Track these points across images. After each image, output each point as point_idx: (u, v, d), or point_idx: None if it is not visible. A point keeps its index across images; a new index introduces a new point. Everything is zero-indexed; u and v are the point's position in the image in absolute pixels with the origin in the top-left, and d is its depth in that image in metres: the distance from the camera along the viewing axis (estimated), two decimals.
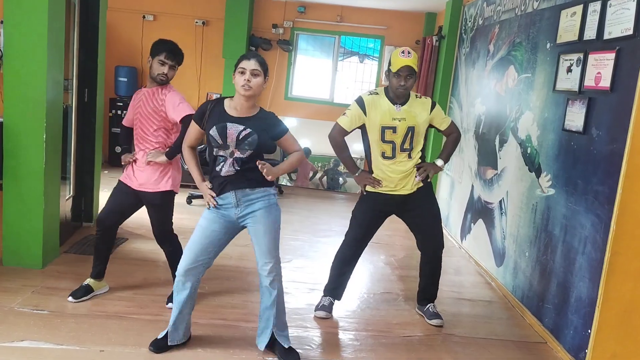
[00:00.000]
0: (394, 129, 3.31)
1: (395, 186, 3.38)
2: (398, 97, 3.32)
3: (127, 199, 3.34)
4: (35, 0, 3.50)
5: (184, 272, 2.75)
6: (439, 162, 3.47)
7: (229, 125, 2.66)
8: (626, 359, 2.93)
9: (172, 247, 3.41)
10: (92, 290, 3.40)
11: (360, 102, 3.39)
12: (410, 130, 3.32)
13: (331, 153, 7.72)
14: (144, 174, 3.28)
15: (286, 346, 2.87)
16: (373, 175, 3.42)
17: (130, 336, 2.98)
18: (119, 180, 3.37)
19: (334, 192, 7.79)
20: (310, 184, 7.80)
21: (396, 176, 3.36)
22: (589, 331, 2.97)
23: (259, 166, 2.60)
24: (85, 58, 4.57)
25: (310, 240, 5.22)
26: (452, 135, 3.52)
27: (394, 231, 5.32)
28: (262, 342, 2.88)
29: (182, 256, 2.77)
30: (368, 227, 3.50)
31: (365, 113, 3.36)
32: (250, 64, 2.65)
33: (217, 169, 2.71)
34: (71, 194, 4.55)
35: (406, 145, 3.34)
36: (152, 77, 3.24)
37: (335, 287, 3.58)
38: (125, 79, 7.52)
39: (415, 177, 3.39)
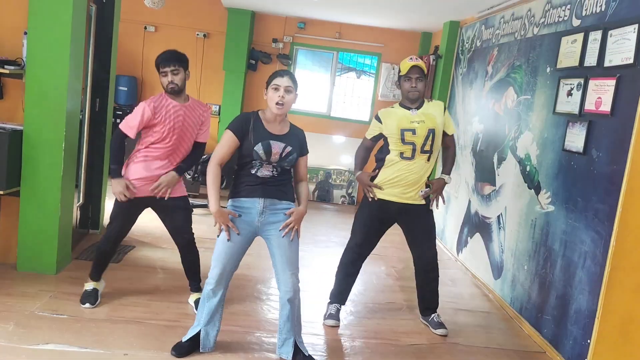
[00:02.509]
0: (413, 131, 3.44)
1: (404, 190, 3.48)
2: (412, 102, 3.50)
3: (138, 211, 3.39)
4: (59, 12, 3.61)
5: (216, 282, 2.84)
6: (447, 178, 3.63)
7: (272, 143, 2.77)
8: None
9: (195, 252, 3.52)
10: (98, 291, 3.48)
11: (376, 116, 3.61)
12: (431, 132, 3.45)
13: (321, 165, 7.98)
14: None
15: (307, 354, 2.99)
16: (380, 178, 3.53)
17: (150, 341, 3.07)
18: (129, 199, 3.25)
19: (325, 203, 7.99)
20: None
21: (412, 177, 3.45)
22: (589, 341, 3.14)
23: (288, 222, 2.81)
24: (98, 68, 4.67)
25: (311, 251, 5.34)
26: (451, 149, 3.68)
27: (389, 243, 5.46)
28: (288, 352, 2.95)
29: (212, 267, 2.85)
30: (370, 232, 3.63)
31: (380, 122, 3.54)
32: (283, 81, 2.77)
33: (253, 171, 2.79)
34: (80, 201, 4.62)
35: (427, 147, 3.45)
36: (167, 91, 3.28)
37: (341, 290, 3.69)
38: (125, 88, 7.60)
39: (420, 192, 3.51)
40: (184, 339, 2.95)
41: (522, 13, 4.67)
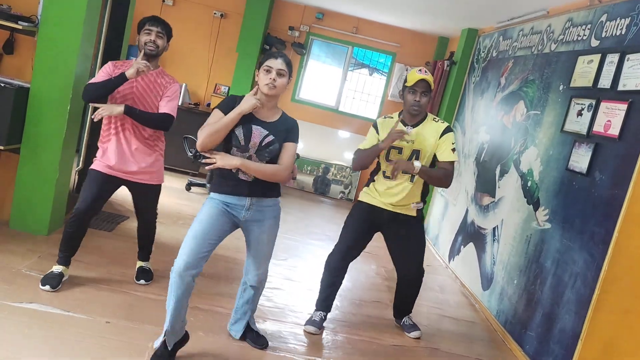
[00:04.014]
0: (399, 150, 3.36)
1: (394, 202, 3.41)
2: (412, 117, 3.37)
3: (110, 188, 3.24)
4: None
5: (185, 267, 2.52)
6: (417, 164, 3.26)
7: (254, 127, 2.63)
8: None
9: (152, 229, 3.57)
10: (63, 277, 3.20)
11: (374, 124, 3.50)
12: (415, 153, 3.35)
13: (321, 158, 7.98)
14: (137, 162, 3.21)
15: (258, 331, 3.09)
16: (370, 189, 3.49)
17: (134, 312, 3.08)
18: (96, 170, 3.18)
19: (323, 196, 8.00)
20: (297, 185, 8.02)
21: (392, 197, 3.40)
22: None
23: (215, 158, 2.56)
24: (111, 36, 4.65)
25: (304, 242, 5.34)
26: (444, 170, 3.35)
27: (383, 242, 5.47)
28: (238, 331, 3.04)
29: (182, 251, 2.56)
30: (358, 236, 3.52)
31: (377, 132, 3.44)
32: (277, 63, 2.63)
33: (234, 170, 2.64)
34: (80, 166, 4.61)
35: None
36: (140, 48, 3.16)
37: (326, 297, 3.55)
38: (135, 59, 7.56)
39: (412, 205, 3.44)
40: (157, 343, 2.65)
41: (542, 28, 4.64)
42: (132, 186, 3.30)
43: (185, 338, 2.74)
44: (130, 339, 2.79)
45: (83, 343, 2.65)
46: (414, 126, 3.39)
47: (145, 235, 3.57)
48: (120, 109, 3.01)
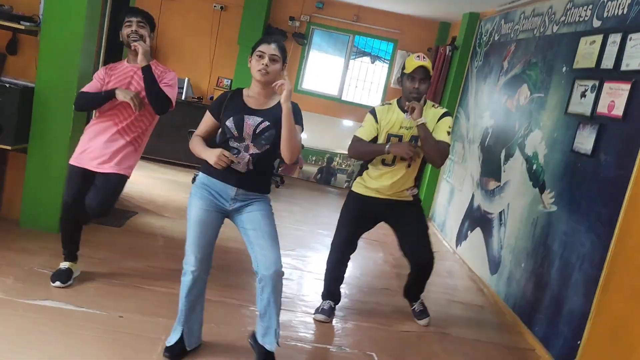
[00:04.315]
0: (400, 138, 3.32)
1: (383, 188, 3.38)
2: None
3: (87, 181, 3.11)
4: None
5: (197, 265, 2.55)
6: (422, 122, 3.22)
7: (246, 117, 2.52)
8: None
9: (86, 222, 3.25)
10: (72, 273, 3.23)
11: (372, 112, 3.42)
12: (414, 139, 3.31)
13: (326, 148, 7.99)
14: (105, 150, 3.07)
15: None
16: (365, 180, 3.43)
17: (147, 306, 3.12)
18: (70, 164, 3.13)
19: (328, 186, 8.04)
20: (302, 176, 8.05)
21: (388, 184, 3.35)
22: (579, 342, 3.16)
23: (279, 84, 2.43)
24: (113, 33, 4.65)
25: (312, 232, 5.38)
26: (440, 146, 3.26)
27: (390, 230, 5.50)
28: (272, 343, 2.64)
29: (187, 254, 2.58)
30: (353, 228, 3.50)
31: (376, 121, 3.37)
32: (269, 49, 2.49)
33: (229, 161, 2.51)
34: None
35: None
36: (126, 44, 3.04)
37: (331, 291, 3.58)
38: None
39: (407, 190, 3.40)
40: (171, 341, 2.67)
41: (543, 10, 4.62)
42: (96, 177, 3.08)
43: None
44: (143, 332, 2.83)
45: (97, 337, 2.70)
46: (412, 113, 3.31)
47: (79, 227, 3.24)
48: (143, 63, 2.92)
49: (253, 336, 2.72)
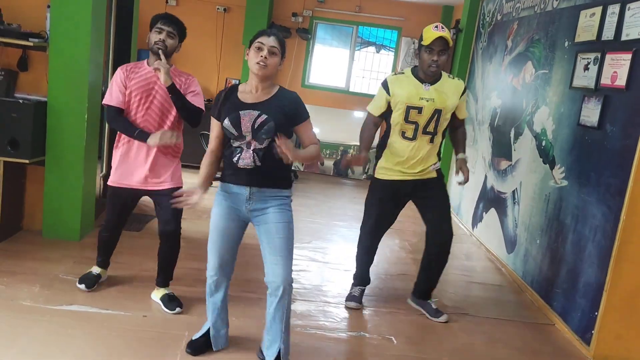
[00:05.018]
0: (419, 110, 3.17)
1: (408, 168, 3.29)
2: (428, 76, 3.18)
3: (132, 202, 3.21)
4: None
5: (216, 273, 2.61)
6: (465, 157, 3.45)
7: (242, 113, 2.42)
8: (630, 340, 3.15)
9: (174, 246, 3.23)
10: (100, 278, 3.35)
11: (384, 83, 3.29)
12: (437, 113, 3.19)
13: (339, 141, 8.02)
14: (158, 168, 3.07)
15: None
16: (387, 160, 3.35)
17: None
18: (110, 186, 3.14)
19: (342, 177, 8.09)
20: (319, 170, 8.11)
21: (419, 155, 3.25)
22: (596, 314, 3.18)
23: (277, 142, 2.25)
24: (119, 41, 4.76)
25: (327, 224, 5.43)
26: (462, 130, 3.45)
27: (405, 217, 5.46)
28: (272, 356, 2.62)
29: (209, 259, 2.62)
30: (382, 216, 3.49)
31: (388, 92, 3.24)
32: (269, 41, 2.39)
33: (234, 159, 2.46)
34: (103, 172, 4.77)
35: (430, 129, 3.23)
36: (150, 49, 2.98)
37: (363, 273, 3.65)
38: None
39: (431, 167, 3.34)
40: (196, 337, 2.77)
41: None
42: (150, 194, 3.14)
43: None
44: (167, 330, 2.93)
45: (122, 337, 2.80)
46: (432, 83, 3.21)
47: (167, 255, 3.24)
48: (168, 77, 2.88)
49: (260, 349, 2.74)
